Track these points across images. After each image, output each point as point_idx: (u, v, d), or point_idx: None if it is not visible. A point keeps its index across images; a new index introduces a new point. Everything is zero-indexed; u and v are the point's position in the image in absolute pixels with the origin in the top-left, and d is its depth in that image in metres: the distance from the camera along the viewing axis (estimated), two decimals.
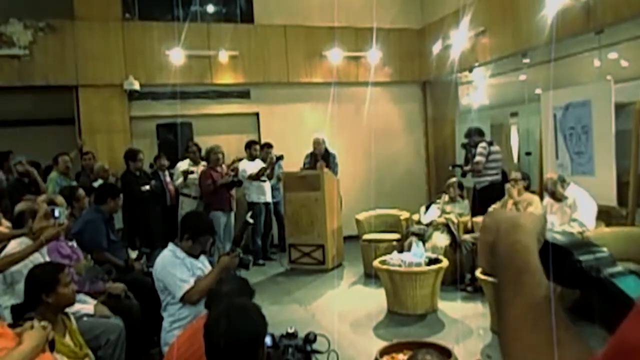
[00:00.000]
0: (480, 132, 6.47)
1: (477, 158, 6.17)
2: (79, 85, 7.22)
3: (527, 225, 0.71)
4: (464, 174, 6.53)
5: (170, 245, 3.26)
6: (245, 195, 7.12)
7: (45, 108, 8.13)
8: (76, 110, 7.33)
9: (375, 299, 5.14)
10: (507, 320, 0.63)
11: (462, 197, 6.25)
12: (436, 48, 8.14)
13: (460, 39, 7.49)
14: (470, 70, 7.97)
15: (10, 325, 2.14)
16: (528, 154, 7.34)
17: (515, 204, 5.28)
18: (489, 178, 6.14)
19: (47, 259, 3.20)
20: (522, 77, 7.67)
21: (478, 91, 8.60)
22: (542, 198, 5.36)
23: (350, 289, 5.89)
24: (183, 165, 6.94)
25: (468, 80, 8.65)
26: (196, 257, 3.27)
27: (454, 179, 6.37)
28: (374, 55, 8.33)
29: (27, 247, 2.99)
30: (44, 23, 7.02)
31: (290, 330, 2.26)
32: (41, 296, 2.48)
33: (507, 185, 5.38)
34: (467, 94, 9.00)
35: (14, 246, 3.10)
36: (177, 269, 3.10)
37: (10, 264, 2.92)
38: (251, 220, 3.24)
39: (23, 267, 2.96)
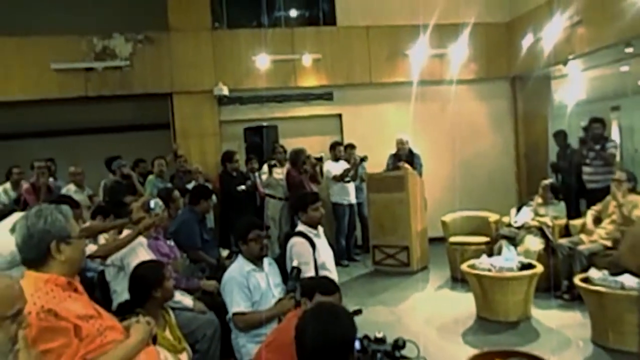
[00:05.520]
0: (604, 124, 6.05)
1: (613, 150, 5.78)
2: (174, 93, 7.68)
3: None
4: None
5: (239, 259, 3.28)
6: (329, 196, 7.19)
7: (144, 114, 8.72)
8: (171, 116, 7.80)
9: (463, 303, 4.98)
10: None
11: (558, 198, 5.88)
12: (526, 41, 7.74)
13: (553, 30, 7.07)
14: (565, 63, 7.48)
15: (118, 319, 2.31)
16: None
17: (619, 206, 4.89)
18: (610, 176, 5.65)
19: (153, 256, 3.43)
20: (624, 68, 7.11)
21: (573, 85, 8.08)
22: None
23: (437, 293, 5.75)
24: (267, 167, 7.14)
25: (562, 74, 8.14)
26: (260, 263, 3.28)
27: (547, 181, 6.02)
28: (459, 51, 8.08)
29: (127, 235, 3.38)
30: (142, 35, 7.55)
31: (379, 335, 2.23)
32: (151, 291, 2.66)
33: (612, 186, 4.99)
34: (561, 88, 8.48)
35: (123, 236, 3.48)
36: (237, 288, 3.11)
37: (114, 249, 3.34)
38: (295, 263, 3.22)
39: (131, 252, 3.32)
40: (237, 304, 3.09)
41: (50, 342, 1.78)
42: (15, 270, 2.17)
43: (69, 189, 6.16)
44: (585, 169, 6.11)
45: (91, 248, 3.53)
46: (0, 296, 1.51)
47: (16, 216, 2.71)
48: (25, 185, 5.94)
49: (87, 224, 4.31)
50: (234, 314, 3.09)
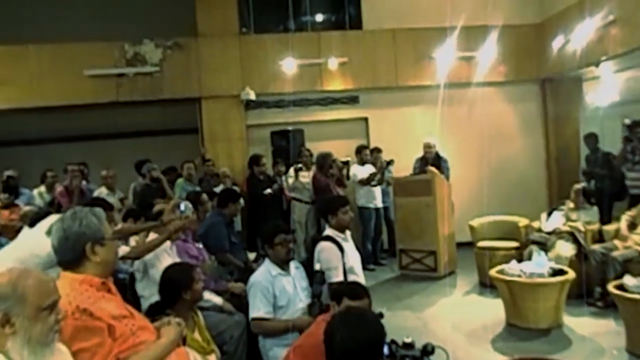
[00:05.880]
0: None
1: None
2: (202, 97, 7.80)
3: None
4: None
5: (266, 263, 3.30)
6: (356, 200, 7.17)
7: (173, 119, 8.86)
8: (199, 120, 7.92)
9: (492, 309, 4.90)
10: None
11: (590, 203, 5.74)
12: (557, 43, 7.60)
13: (585, 31, 6.92)
14: (597, 65, 7.30)
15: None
16: None
17: None
18: None
19: (177, 259, 3.48)
20: None
21: (606, 87, 7.87)
22: None
23: (465, 298, 5.67)
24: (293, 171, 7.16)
25: (594, 76, 7.95)
26: (287, 267, 3.28)
27: (579, 185, 5.88)
28: (487, 54, 7.97)
29: (158, 237, 3.44)
30: (171, 41, 7.69)
31: (407, 340, 2.22)
32: (181, 293, 2.70)
33: None
34: (593, 90, 8.28)
35: (151, 239, 3.54)
36: (260, 293, 3.11)
37: (146, 251, 3.40)
38: (318, 267, 3.22)
39: (154, 258, 3.39)
40: (257, 309, 3.11)
41: (85, 341, 1.82)
42: (52, 272, 2.23)
43: (101, 192, 6.29)
44: (629, 174, 5.91)
45: (123, 250, 3.61)
46: (36, 288, 1.58)
47: (52, 218, 2.78)
48: (59, 188, 6.09)
49: (119, 226, 4.40)
50: (252, 319, 3.12)
